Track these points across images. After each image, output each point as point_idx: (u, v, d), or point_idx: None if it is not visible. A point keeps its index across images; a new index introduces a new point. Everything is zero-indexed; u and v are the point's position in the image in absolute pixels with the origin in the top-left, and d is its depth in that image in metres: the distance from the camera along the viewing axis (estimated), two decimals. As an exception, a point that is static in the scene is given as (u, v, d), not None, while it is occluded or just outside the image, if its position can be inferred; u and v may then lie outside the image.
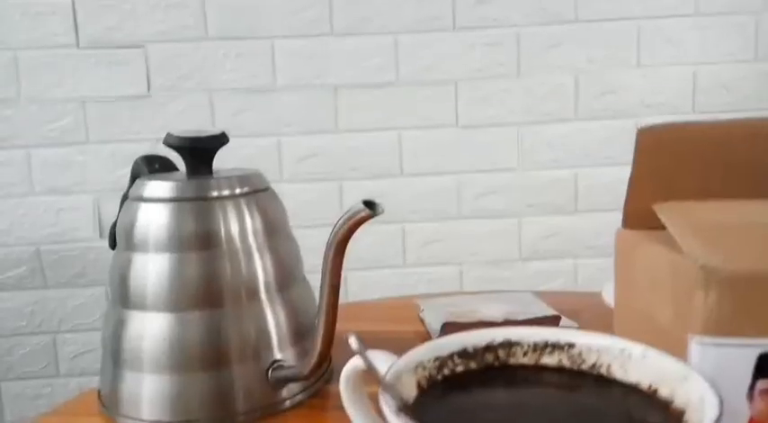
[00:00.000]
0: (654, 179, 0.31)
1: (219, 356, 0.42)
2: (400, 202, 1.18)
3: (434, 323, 0.53)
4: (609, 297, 0.58)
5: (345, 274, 1.27)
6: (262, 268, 0.45)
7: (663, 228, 0.28)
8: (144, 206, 0.45)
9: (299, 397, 0.45)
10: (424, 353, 0.25)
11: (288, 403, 0.44)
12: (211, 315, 0.43)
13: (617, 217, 0.34)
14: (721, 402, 0.19)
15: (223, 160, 0.49)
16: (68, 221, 1.16)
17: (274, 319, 0.45)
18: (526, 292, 0.65)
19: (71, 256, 1.17)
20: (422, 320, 0.58)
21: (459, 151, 1.18)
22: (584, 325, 0.54)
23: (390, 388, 0.20)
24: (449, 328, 0.51)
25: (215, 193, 0.45)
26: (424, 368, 0.25)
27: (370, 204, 0.35)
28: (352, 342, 0.20)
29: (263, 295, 0.45)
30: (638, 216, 0.32)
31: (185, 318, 0.42)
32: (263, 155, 1.15)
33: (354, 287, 1.19)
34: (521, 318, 0.52)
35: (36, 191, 1.15)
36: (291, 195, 1.23)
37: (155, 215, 0.44)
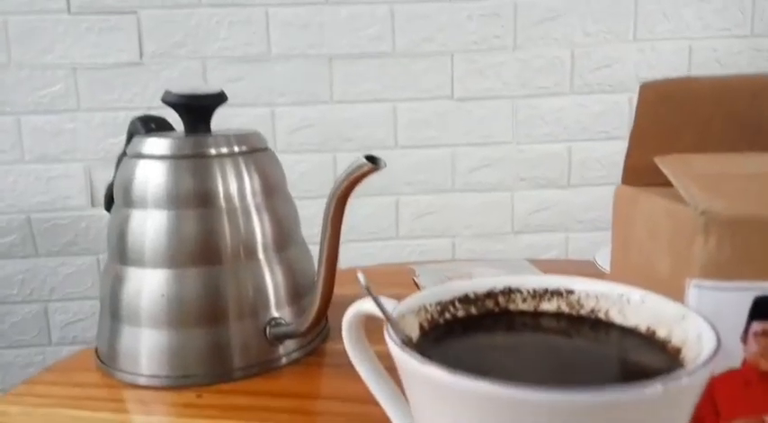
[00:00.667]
0: (655, 134, 0.31)
1: (217, 313, 0.43)
2: (394, 174, 1.18)
3: (430, 287, 0.54)
4: (602, 262, 0.59)
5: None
6: (260, 227, 0.45)
7: (662, 184, 0.28)
8: (142, 163, 0.44)
9: (296, 354, 0.46)
10: (427, 297, 0.26)
11: (284, 360, 0.45)
12: (209, 272, 0.43)
13: (609, 191, 0.34)
14: (718, 337, 0.20)
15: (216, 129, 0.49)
16: (59, 190, 1.15)
17: (272, 278, 0.45)
18: (520, 259, 0.66)
19: (62, 224, 1.17)
20: (417, 285, 0.59)
21: (454, 124, 1.17)
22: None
23: (395, 324, 0.20)
24: (444, 289, 0.52)
25: (213, 151, 0.45)
26: (427, 311, 0.25)
27: (372, 159, 0.35)
28: (360, 278, 0.20)
29: (260, 254, 0.45)
30: (638, 172, 0.32)
31: (183, 274, 0.42)
32: (257, 125, 1.14)
33: (348, 258, 1.19)
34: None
35: (26, 158, 1.14)
36: (285, 166, 1.23)
37: (153, 172, 0.44)
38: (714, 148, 0.31)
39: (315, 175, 1.17)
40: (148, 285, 0.43)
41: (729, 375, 0.23)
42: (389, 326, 0.20)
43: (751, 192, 0.24)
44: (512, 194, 1.21)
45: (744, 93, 0.30)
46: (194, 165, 0.44)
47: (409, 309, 0.24)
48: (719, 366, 0.23)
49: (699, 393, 0.19)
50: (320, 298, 0.40)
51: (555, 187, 1.21)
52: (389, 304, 0.25)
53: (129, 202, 0.44)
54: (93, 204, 1.16)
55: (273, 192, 0.47)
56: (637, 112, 0.31)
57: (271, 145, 0.47)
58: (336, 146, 1.17)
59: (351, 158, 1.20)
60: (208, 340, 0.42)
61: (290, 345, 0.45)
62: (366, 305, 0.26)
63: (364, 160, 0.34)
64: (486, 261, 0.64)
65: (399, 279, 0.62)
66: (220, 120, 0.48)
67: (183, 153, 0.44)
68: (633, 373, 0.21)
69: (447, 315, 0.26)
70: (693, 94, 0.30)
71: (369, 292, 0.20)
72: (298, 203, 0.51)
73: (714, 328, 0.20)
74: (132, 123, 0.52)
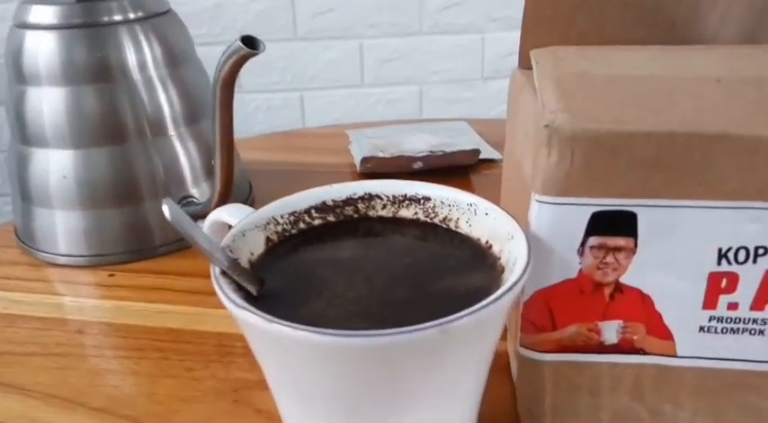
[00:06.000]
0: (549, 18, 0.29)
1: (127, 193, 0.42)
2: (357, 15, 1.11)
3: (358, 156, 0.53)
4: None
5: (301, 94, 1.23)
6: (167, 101, 0.43)
7: (553, 70, 0.26)
8: (30, 34, 0.41)
9: (217, 229, 0.46)
10: (279, 208, 0.25)
11: (204, 235, 0.46)
12: (114, 151, 0.42)
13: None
14: (528, 264, 0.20)
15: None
16: None
17: (185, 154, 0.45)
18: (462, 121, 0.64)
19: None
20: (351, 154, 0.58)
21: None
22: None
23: (211, 254, 0.20)
24: (368, 162, 0.51)
25: (106, 18, 0.41)
26: (277, 223, 0.25)
27: (249, 42, 0.32)
28: (165, 210, 0.19)
29: (170, 130, 0.44)
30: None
31: (87, 155, 0.42)
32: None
33: (313, 109, 1.17)
34: (442, 150, 0.52)
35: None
36: (241, 5, 1.15)
37: (42, 45, 0.41)
38: (611, 32, 0.29)
39: (272, 18, 1.09)
40: (54, 167, 0.42)
41: (565, 285, 0.23)
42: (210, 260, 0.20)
43: (604, 100, 0.22)
44: (483, 37, 1.15)
45: (643, -29, 0.27)
46: (87, 35, 0.41)
47: (252, 224, 0.24)
48: (556, 277, 0.23)
49: (498, 325, 0.20)
50: (221, 181, 0.39)
51: (527, 29, 1.14)
52: (242, 212, 0.25)
53: (22, 79, 0.42)
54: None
55: (179, 60, 0.45)
56: (528, -10, 0.28)
57: None
58: (295, -16, 1.08)
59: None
60: (123, 220, 0.43)
61: (209, 219, 0.46)
62: (220, 214, 0.25)
63: (240, 44, 0.32)
64: (425, 124, 0.63)
65: (335, 144, 0.61)
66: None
67: (72, 22, 0.41)
68: (457, 291, 0.21)
69: (301, 225, 0.25)
70: (590, -28, 0.27)
71: (177, 226, 0.19)
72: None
73: (530, 254, 0.20)
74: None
